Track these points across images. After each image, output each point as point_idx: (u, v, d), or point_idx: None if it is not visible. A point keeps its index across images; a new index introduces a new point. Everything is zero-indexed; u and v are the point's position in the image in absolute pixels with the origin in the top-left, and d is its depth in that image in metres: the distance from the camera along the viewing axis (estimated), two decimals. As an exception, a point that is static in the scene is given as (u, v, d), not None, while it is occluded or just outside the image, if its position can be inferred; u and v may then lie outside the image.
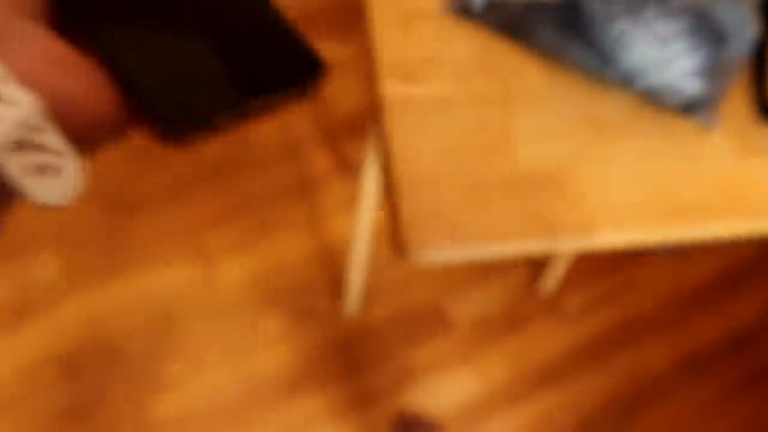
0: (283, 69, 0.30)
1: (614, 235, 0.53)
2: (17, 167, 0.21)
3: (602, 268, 1.33)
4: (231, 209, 1.25)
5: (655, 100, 0.56)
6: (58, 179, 0.22)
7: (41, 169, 0.21)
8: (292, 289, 1.21)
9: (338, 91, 1.38)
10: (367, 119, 1.34)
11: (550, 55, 0.56)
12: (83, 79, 0.23)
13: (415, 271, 1.28)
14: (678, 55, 0.53)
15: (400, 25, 0.55)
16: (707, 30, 0.53)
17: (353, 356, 1.20)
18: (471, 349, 1.24)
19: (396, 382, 1.20)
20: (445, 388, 1.21)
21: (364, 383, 1.19)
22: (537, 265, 1.31)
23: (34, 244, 1.18)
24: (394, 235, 0.51)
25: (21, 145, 0.21)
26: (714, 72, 0.55)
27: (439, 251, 0.51)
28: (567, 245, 0.53)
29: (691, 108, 0.56)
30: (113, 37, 0.28)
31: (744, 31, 0.55)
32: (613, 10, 0.52)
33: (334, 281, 1.22)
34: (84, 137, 0.23)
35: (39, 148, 0.21)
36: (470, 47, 0.56)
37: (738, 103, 0.59)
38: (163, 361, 1.14)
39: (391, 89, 0.54)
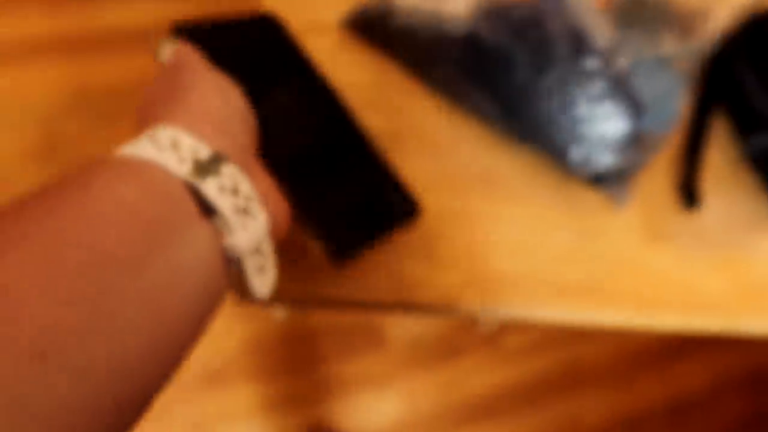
0: (395, 210, 0.42)
1: (483, 306, 0.48)
2: (252, 267, 0.27)
3: (554, 309, 1.27)
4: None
5: (560, 164, 0.50)
6: (267, 277, 0.29)
7: (261, 269, 0.28)
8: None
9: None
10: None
11: (449, 95, 0.50)
12: (282, 206, 0.30)
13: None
14: (591, 120, 0.48)
15: (292, 39, 0.50)
16: (625, 96, 0.47)
17: (281, 358, 1.16)
18: (401, 372, 1.19)
19: (320, 391, 1.16)
20: (368, 408, 1.16)
21: (288, 386, 1.15)
22: (486, 296, 1.25)
23: None
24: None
25: (256, 250, 0.27)
26: (630, 144, 0.49)
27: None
28: (426, 312, 0.47)
29: (599, 180, 0.50)
30: (297, 178, 0.39)
31: (669, 104, 0.48)
32: (524, 56, 0.47)
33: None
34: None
35: (261, 252, 0.27)
36: (362, 74, 0.51)
37: (656, 181, 0.53)
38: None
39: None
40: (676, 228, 0.52)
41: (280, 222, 0.30)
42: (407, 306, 0.47)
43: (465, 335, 1.22)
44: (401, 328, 1.21)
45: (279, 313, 1.17)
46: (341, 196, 0.41)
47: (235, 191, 0.26)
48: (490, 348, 1.22)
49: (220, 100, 0.30)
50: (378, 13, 0.49)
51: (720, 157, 0.54)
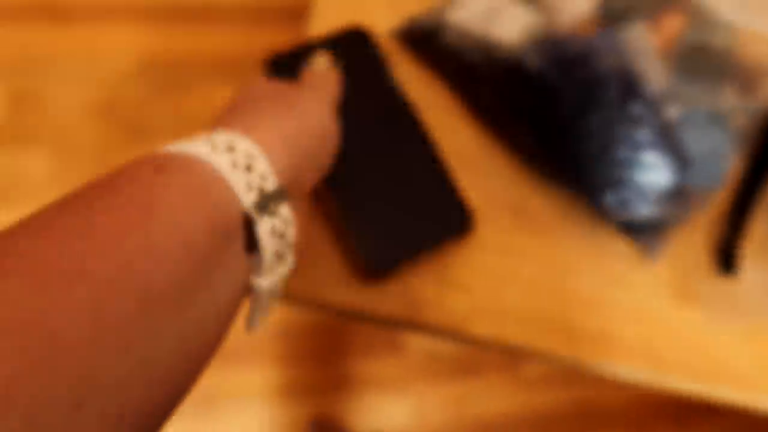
0: (447, 221, 0.43)
1: (488, 333, 0.47)
2: (262, 305, 0.27)
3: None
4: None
5: (593, 207, 0.48)
6: (266, 313, 0.30)
7: (265, 307, 0.28)
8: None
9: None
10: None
11: (489, 120, 0.49)
12: (304, 237, 0.31)
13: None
14: (632, 167, 0.46)
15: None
16: (672, 147, 0.45)
17: (302, 346, 1.17)
18: (415, 380, 1.18)
19: (332, 386, 1.16)
20: (377, 410, 1.16)
21: (302, 375, 1.16)
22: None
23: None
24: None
25: (271, 290, 0.27)
26: (671, 197, 0.47)
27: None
28: (434, 334, 0.47)
29: (632, 228, 0.48)
30: (345, 191, 0.42)
31: (718, 161, 0.46)
32: (570, 92, 0.45)
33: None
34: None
35: (273, 292, 0.27)
36: (407, 86, 0.50)
37: (692, 238, 0.51)
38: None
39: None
40: (708, 290, 0.49)
41: (297, 253, 0.30)
42: (416, 325, 0.47)
43: (484, 356, 1.20)
44: (422, 337, 1.20)
45: (303, 303, 1.17)
46: (392, 205, 0.42)
47: (282, 235, 0.25)
48: (508, 373, 1.20)
49: (316, 126, 0.29)
50: (428, 28, 0.48)
51: (765, 224, 0.51)
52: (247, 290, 0.25)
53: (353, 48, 0.45)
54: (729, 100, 0.45)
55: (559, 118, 0.44)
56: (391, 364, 1.18)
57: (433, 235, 0.44)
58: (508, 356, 1.19)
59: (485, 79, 0.46)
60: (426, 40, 0.48)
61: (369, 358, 1.18)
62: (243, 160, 0.24)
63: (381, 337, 1.18)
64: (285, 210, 0.25)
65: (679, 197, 0.47)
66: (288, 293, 0.46)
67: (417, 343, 1.18)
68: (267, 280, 0.25)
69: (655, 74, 0.44)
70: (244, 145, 0.24)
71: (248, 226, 0.24)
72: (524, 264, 0.48)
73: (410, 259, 0.43)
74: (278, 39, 1.30)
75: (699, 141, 0.45)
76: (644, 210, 0.47)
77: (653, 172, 0.45)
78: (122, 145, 1.21)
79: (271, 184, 0.25)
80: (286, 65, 0.44)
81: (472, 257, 0.48)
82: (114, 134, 1.21)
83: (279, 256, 0.26)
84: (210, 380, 1.12)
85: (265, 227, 0.24)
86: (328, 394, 1.15)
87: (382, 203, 0.43)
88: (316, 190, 0.43)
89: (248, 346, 1.14)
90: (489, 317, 0.47)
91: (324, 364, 1.16)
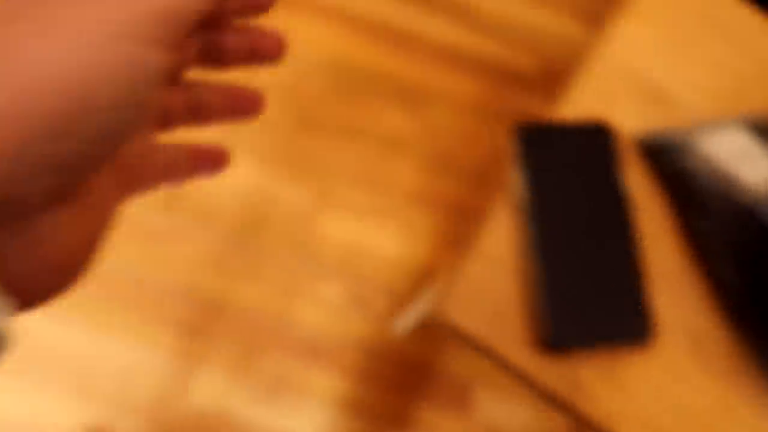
0: (630, 324, 0.45)
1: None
2: None
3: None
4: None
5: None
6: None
7: None
8: (372, 277, 1.23)
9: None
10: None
11: (701, 253, 0.51)
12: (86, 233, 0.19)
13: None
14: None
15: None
16: None
17: (376, 368, 1.20)
18: (470, 444, 1.19)
19: (388, 415, 1.18)
20: (424, 457, 1.17)
21: (367, 395, 1.19)
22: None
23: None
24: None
25: None
26: None
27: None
28: (574, 414, 0.49)
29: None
30: (548, 260, 0.46)
31: None
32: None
33: (404, 294, 1.23)
34: None
35: None
36: (632, 192, 0.53)
37: None
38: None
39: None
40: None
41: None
42: (567, 406, 0.49)
43: (546, 448, 1.19)
44: (491, 402, 1.20)
45: (401, 328, 1.21)
46: (586, 292, 0.45)
47: None
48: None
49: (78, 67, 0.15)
50: (670, 144, 0.51)
51: None
52: None
53: (594, 138, 0.49)
54: None
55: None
56: (452, 418, 1.19)
57: (614, 332, 0.47)
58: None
59: (714, 213, 0.49)
60: (665, 155, 0.51)
61: (435, 403, 1.19)
62: None
63: (455, 390, 1.19)
64: None
65: None
66: (453, 317, 0.50)
67: (486, 409, 1.19)
68: None
69: None
70: None
71: None
72: (688, 392, 0.50)
73: (587, 346, 0.46)
74: (465, 89, 1.36)
75: None
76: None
77: None
78: (288, 128, 1.29)
79: None
80: (534, 138, 0.48)
81: (642, 366, 0.50)
82: (284, 117, 1.31)
83: None
84: (282, 365, 1.17)
85: None
86: (383, 423, 1.18)
87: (577, 286, 0.46)
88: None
89: (328, 347, 1.19)
90: (636, 426, 0.49)
91: (391, 393, 1.19)
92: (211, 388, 1.15)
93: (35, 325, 1.15)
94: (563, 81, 1.40)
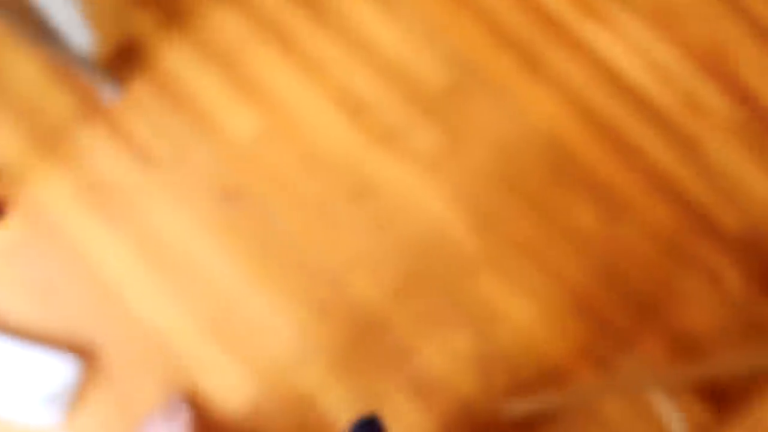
0: None
1: None
2: None
3: None
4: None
5: None
6: None
7: None
8: (503, 347, 1.26)
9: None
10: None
11: None
12: None
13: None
14: None
15: None
16: None
17: (464, 428, 1.22)
18: None
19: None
20: None
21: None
22: None
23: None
24: None
25: None
26: None
27: None
28: None
29: None
30: None
31: None
32: None
33: (525, 378, 1.24)
34: None
35: None
36: None
37: None
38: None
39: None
40: None
41: None
42: None
43: None
44: None
45: (509, 410, 1.22)
46: None
47: None
48: None
49: None
50: None
51: None
52: None
53: None
54: None
55: None
56: None
57: None
58: None
59: None
60: None
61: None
62: None
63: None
64: None
65: None
66: None
67: None
68: None
69: None
70: None
71: None
72: None
73: None
74: (660, 216, 1.36)
75: None
76: None
77: None
78: (490, 178, 1.34)
79: None
80: None
81: None
82: (492, 167, 1.35)
83: None
84: (385, 385, 1.21)
85: None
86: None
87: None
88: None
89: (435, 391, 1.22)
90: None
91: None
92: (316, 375, 1.21)
93: (202, 244, 1.25)
94: (761, 248, 1.37)
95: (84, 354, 1.19)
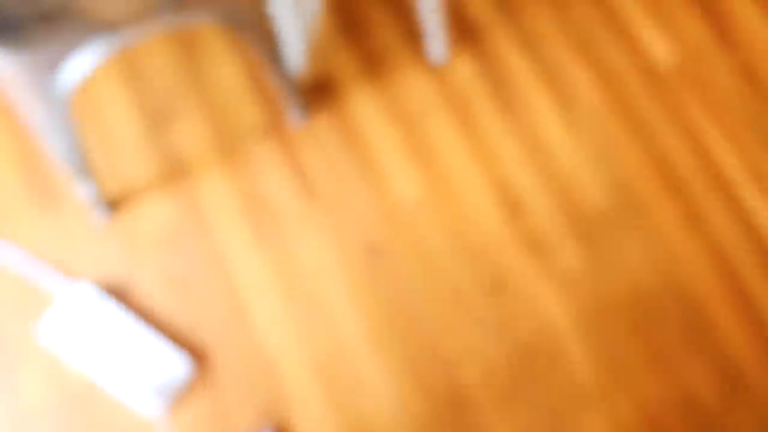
0: None
1: None
2: None
3: None
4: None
5: None
6: None
7: None
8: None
9: None
10: None
11: None
12: None
13: None
14: None
15: None
16: None
17: None
18: None
19: None
20: None
21: None
22: None
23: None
24: None
25: None
26: None
27: None
28: None
29: None
30: None
31: None
32: None
33: None
34: None
35: None
36: None
37: None
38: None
39: None
40: None
41: None
42: None
43: None
44: None
45: None
46: None
47: None
48: None
49: None
50: None
51: None
52: None
53: None
54: None
55: None
56: None
57: None
58: None
59: None
60: None
61: None
62: None
63: None
64: None
65: None
66: None
67: None
68: None
69: None
70: None
71: None
72: None
73: None
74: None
75: None
76: None
77: None
78: (616, 321, 1.34)
79: None
80: None
81: None
82: (622, 312, 1.35)
83: None
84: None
85: None
86: None
87: None
88: None
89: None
90: None
91: None
92: (381, 384, 1.21)
93: (337, 287, 1.28)
94: None
95: (197, 356, 1.22)
